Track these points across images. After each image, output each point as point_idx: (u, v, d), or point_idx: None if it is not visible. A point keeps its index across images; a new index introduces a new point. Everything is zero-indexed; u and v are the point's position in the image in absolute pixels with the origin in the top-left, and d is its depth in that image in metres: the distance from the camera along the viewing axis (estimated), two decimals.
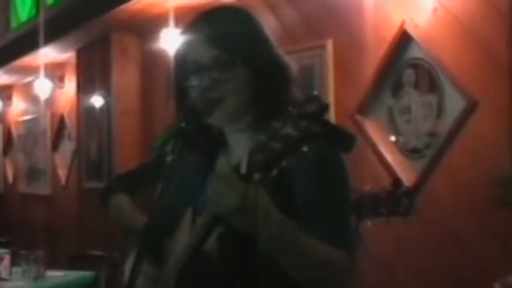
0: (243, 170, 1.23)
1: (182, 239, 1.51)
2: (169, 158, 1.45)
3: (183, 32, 1.57)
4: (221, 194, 1.26)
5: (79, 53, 6.70)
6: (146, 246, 1.65)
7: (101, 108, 6.22)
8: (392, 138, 3.58)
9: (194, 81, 1.55)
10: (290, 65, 1.58)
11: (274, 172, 1.18)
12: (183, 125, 1.48)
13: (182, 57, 1.59)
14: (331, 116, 3.83)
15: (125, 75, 5.96)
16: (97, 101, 6.28)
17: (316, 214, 1.36)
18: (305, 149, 1.14)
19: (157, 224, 1.66)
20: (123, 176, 3.02)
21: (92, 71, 6.37)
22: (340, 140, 1.22)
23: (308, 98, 1.17)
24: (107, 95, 6.11)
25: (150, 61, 5.80)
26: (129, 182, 2.86)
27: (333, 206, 1.38)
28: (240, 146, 1.56)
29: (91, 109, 6.39)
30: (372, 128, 3.69)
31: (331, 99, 3.87)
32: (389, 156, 3.56)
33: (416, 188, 3.27)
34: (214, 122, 1.56)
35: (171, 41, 4.74)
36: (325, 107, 1.15)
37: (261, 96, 1.51)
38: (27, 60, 7.09)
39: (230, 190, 1.25)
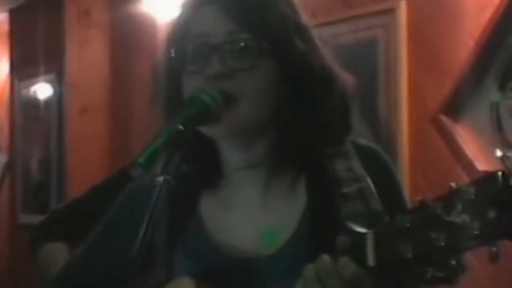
0: (371, 261, 1.32)
1: None
2: (159, 179, 1.48)
3: None
4: None
5: (13, 16, 6.77)
6: None
7: (48, 102, 6.27)
8: (498, 153, 3.58)
9: (195, 66, 1.58)
10: (346, 79, 1.67)
11: (433, 272, 1.29)
12: (181, 127, 1.50)
13: (181, 29, 1.62)
14: (404, 116, 3.84)
15: (86, 52, 6.00)
16: (42, 90, 6.34)
17: None
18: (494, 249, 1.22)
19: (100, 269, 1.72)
20: (62, 211, 3.04)
21: (33, 45, 6.43)
22: None
23: (491, 175, 1.22)
24: (57, 82, 6.16)
25: (125, 32, 5.86)
26: (70, 221, 2.86)
27: None
28: (249, 200, 1.65)
29: (32, 102, 6.45)
30: (466, 137, 3.69)
31: (403, 90, 3.88)
32: None
33: None
34: (219, 135, 1.64)
35: (158, 2, 4.77)
36: None
37: (290, 111, 1.59)
38: None
39: None
